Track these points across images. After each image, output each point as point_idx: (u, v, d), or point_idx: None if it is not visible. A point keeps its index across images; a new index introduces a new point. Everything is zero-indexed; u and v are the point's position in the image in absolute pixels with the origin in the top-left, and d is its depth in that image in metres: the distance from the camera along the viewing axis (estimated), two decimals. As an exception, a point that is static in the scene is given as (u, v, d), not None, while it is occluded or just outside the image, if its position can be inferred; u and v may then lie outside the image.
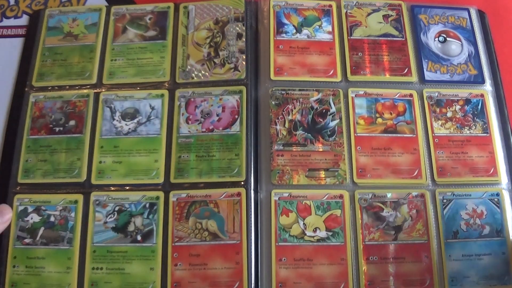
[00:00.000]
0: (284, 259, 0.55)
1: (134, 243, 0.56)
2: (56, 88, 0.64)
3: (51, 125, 0.62)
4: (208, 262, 0.55)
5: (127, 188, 0.59)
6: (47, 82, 0.64)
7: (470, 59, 0.66)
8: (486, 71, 0.65)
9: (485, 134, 0.62)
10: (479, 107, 0.63)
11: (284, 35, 0.65)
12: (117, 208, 0.58)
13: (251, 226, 0.56)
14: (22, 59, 0.67)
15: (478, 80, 0.65)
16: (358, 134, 0.61)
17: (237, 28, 0.66)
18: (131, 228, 0.57)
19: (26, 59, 0.67)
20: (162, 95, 0.63)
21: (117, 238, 0.57)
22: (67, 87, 0.64)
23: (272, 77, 0.63)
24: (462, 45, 0.66)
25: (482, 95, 0.64)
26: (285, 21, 0.66)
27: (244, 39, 0.65)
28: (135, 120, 0.62)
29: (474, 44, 0.67)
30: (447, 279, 0.56)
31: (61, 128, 0.62)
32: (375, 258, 0.56)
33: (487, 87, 0.65)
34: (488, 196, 0.59)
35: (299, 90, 0.63)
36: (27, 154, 0.61)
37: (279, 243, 0.56)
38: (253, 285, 0.54)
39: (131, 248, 0.56)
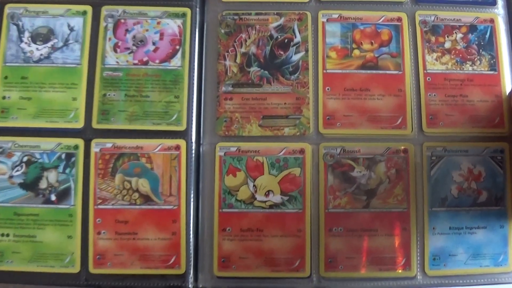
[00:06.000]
0: (229, 229, 0.53)
1: (47, 204, 0.53)
2: None
3: None
4: (138, 230, 0.52)
5: (38, 132, 0.54)
6: None
7: (479, -29, 0.58)
8: (499, -12, 0.60)
9: (492, 72, 0.56)
10: (487, 36, 0.57)
11: None
12: (25, 159, 0.54)
13: (191, 188, 0.53)
14: None
15: (488, 0, 0.58)
16: (327, 71, 0.56)
17: None
18: (43, 185, 0.53)
19: None
20: (85, 13, 0.57)
21: (26, 197, 0.53)
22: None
23: (223, -3, 0.59)
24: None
25: (491, 21, 0.58)
26: None
27: None
28: (49, 44, 0.56)
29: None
30: (428, 257, 0.52)
31: None
32: (340, 229, 0.53)
33: (499, 9, 0.59)
34: (489, 153, 0.54)
35: (256, 14, 0.57)
36: None
37: (223, 210, 0.53)
38: (192, 260, 0.52)
39: (43, 210, 0.53)
